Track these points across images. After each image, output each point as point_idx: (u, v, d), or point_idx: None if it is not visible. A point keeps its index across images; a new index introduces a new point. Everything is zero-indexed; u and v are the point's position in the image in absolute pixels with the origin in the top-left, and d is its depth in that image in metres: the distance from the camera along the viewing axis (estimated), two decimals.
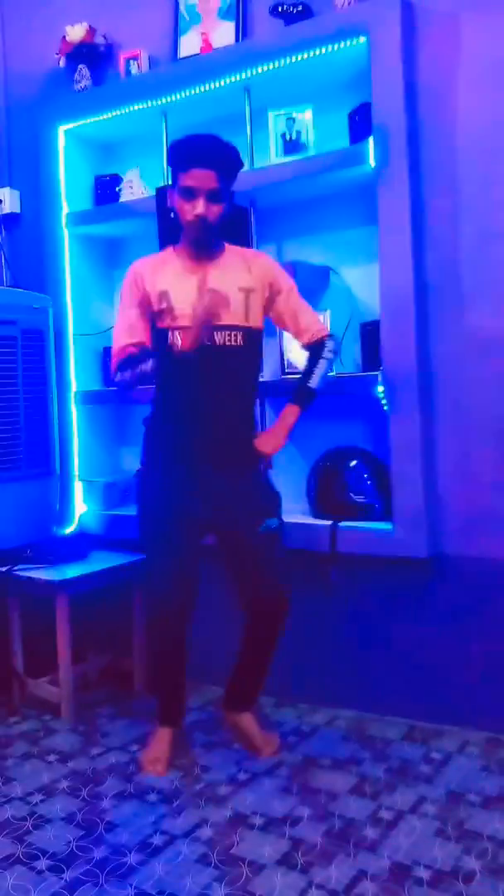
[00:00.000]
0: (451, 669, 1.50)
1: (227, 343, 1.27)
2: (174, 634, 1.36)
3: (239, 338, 1.28)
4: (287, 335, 1.48)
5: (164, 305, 1.27)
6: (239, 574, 1.37)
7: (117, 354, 1.32)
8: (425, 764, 1.39)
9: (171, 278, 1.29)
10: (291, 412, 1.33)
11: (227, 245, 1.34)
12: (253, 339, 1.31)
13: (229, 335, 1.27)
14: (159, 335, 1.29)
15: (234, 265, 1.31)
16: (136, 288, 1.31)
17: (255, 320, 1.31)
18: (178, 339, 1.26)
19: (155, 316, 1.30)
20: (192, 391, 1.28)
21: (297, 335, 1.36)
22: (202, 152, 1.23)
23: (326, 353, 1.34)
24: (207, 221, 1.24)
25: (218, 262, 1.30)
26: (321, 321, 1.39)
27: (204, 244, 1.29)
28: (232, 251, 1.34)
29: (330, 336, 1.36)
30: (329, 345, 1.35)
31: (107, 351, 1.94)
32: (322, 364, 1.33)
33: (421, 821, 1.20)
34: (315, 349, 1.34)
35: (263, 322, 1.34)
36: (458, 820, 1.20)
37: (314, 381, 1.32)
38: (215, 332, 1.26)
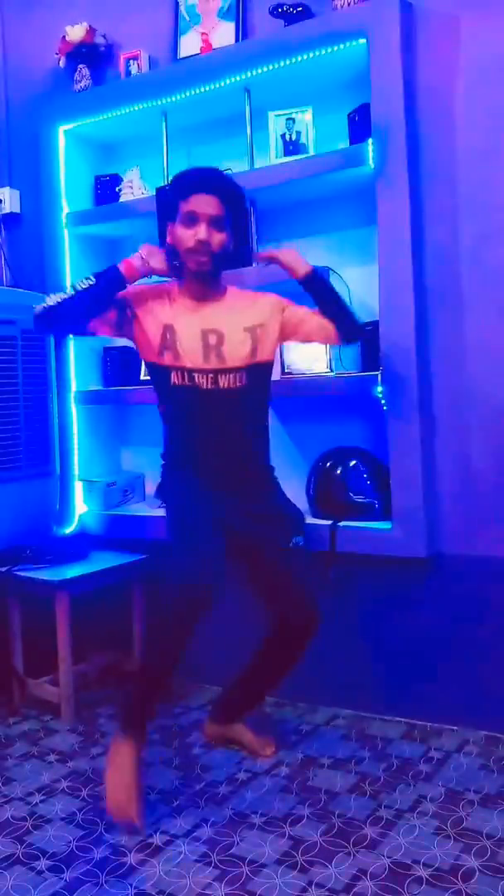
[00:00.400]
0: (450, 668, 1.51)
1: (231, 386, 1.24)
2: (188, 620, 1.19)
3: (244, 377, 1.25)
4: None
5: (167, 341, 1.23)
6: (268, 591, 1.33)
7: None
8: (424, 763, 1.39)
9: (174, 314, 1.25)
10: (308, 264, 1.28)
11: (227, 286, 1.31)
12: (258, 375, 1.28)
13: (233, 377, 1.24)
14: (160, 373, 1.25)
15: (237, 305, 1.29)
16: (128, 306, 1.26)
17: (263, 354, 1.28)
18: (180, 380, 1.23)
19: (144, 342, 1.26)
20: (199, 433, 1.26)
21: (329, 336, 1.32)
22: (204, 179, 1.22)
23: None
24: (210, 248, 1.20)
25: (221, 303, 1.28)
26: None
27: (206, 279, 1.24)
28: (234, 292, 1.32)
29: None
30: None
31: (107, 351, 1.94)
32: (347, 302, 1.31)
33: (420, 819, 1.20)
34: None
35: (274, 352, 1.32)
36: (458, 818, 1.20)
37: (341, 296, 1.30)
38: (219, 376, 1.23)
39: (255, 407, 1.30)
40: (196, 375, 1.23)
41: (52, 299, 1.23)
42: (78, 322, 1.25)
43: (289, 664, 1.34)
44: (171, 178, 1.28)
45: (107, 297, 1.24)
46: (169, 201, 1.25)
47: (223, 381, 1.23)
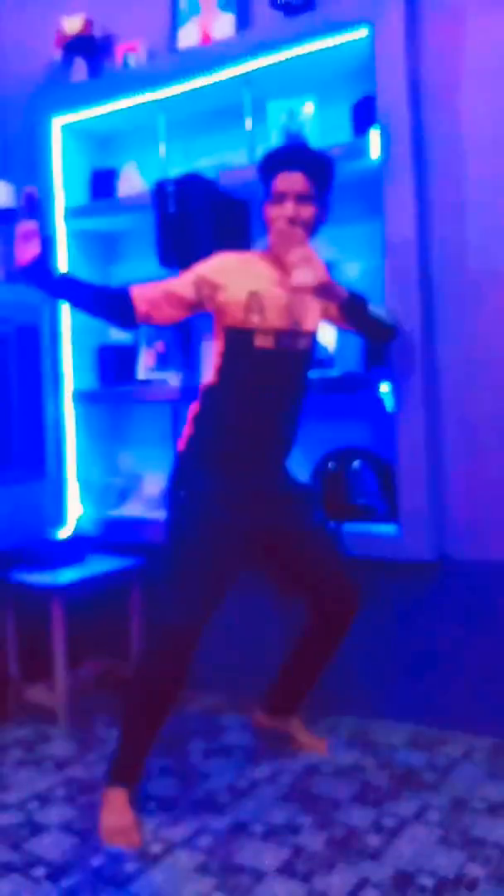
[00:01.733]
0: (456, 674, 1.48)
1: (305, 348, 1.28)
2: (175, 681, 1.19)
3: (311, 341, 1.29)
4: None
5: (254, 305, 1.22)
6: (305, 579, 1.34)
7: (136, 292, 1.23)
8: (429, 770, 1.37)
9: (260, 280, 1.24)
10: (342, 290, 1.25)
11: None
12: (315, 343, 1.34)
13: (306, 340, 1.28)
14: (240, 336, 1.24)
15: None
16: (204, 284, 1.23)
17: (316, 323, 1.32)
18: (265, 342, 1.23)
19: (224, 313, 1.24)
20: (270, 394, 1.26)
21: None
22: (289, 155, 1.23)
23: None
24: (296, 223, 1.21)
25: None
26: None
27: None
28: None
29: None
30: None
31: (103, 349, 1.91)
32: (386, 315, 1.34)
33: (425, 828, 1.18)
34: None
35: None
36: (463, 827, 1.18)
37: (375, 310, 1.31)
38: (298, 338, 1.25)
39: (308, 377, 1.33)
40: (282, 337, 1.24)
41: None
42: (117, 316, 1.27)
43: (334, 647, 1.35)
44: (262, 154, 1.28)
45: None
46: (259, 180, 1.27)
47: (301, 343, 1.27)
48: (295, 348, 1.26)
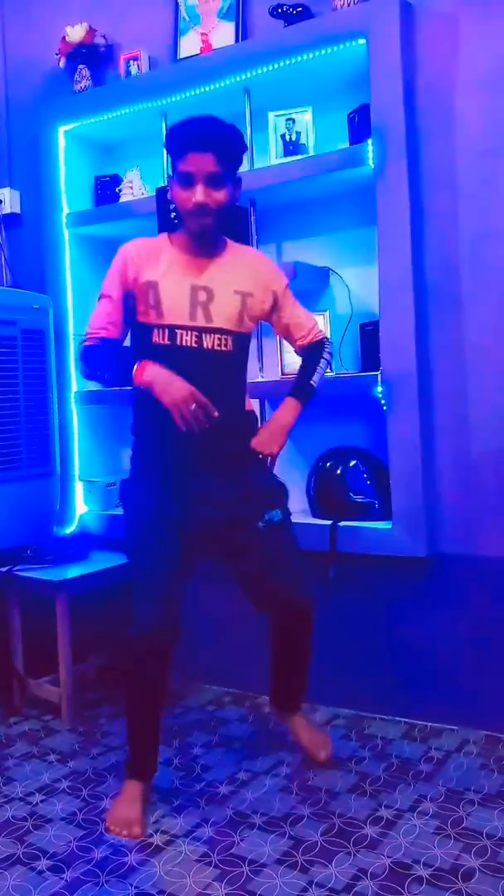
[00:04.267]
0: (451, 668, 1.51)
1: (217, 348, 1.18)
2: (154, 673, 1.19)
3: (229, 343, 1.19)
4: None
5: (150, 299, 1.17)
6: (249, 580, 1.27)
7: (88, 337, 1.20)
8: (425, 762, 1.39)
9: (163, 269, 1.17)
10: (292, 406, 1.24)
11: (229, 242, 1.24)
12: (242, 345, 1.23)
13: (220, 339, 1.18)
14: (141, 330, 1.19)
15: (233, 265, 1.22)
16: (123, 277, 1.18)
17: (248, 326, 1.23)
18: (161, 339, 1.16)
19: (136, 307, 1.18)
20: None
21: (295, 339, 1.30)
22: (198, 135, 1.12)
23: (326, 354, 1.29)
24: (208, 209, 1.13)
25: (217, 261, 1.20)
26: (318, 323, 1.34)
27: (207, 237, 1.18)
28: (234, 250, 1.24)
29: (327, 338, 1.32)
30: (327, 347, 1.31)
31: None
32: (323, 364, 1.28)
33: (420, 819, 1.20)
34: (315, 349, 1.29)
35: (254, 326, 1.27)
36: (458, 818, 1.20)
37: (316, 380, 1.26)
38: (204, 335, 1.17)
39: (236, 377, 1.23)
40: (179, 333, 1.16)
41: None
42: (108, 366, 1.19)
43: (300, 650, 1.32)
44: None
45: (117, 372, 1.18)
46: (168, 154, 1.19)
47: (208, 341, 1.17)
48: (201, 346, 1.16)
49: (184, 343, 1.17)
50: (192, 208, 1.14)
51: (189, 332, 1.17)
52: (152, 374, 1.12)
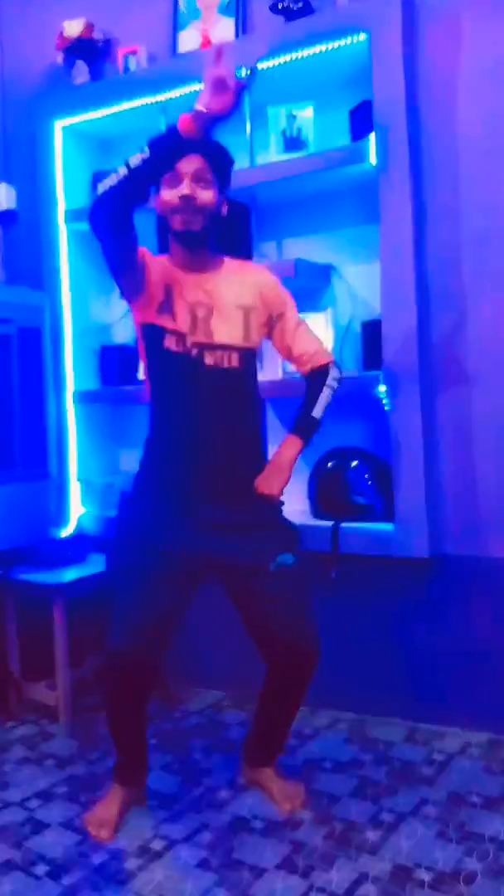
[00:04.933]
0: (453, 670, 1.50)
1: (219, 364, 1.13)
2: (129, 700, 1.17)
3: (234, 359, 1.14)
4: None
5: (167, 303, 1.12)
6: (253, 624, 1.20)
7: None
8: (427, 766, 1.38)
9: (175, 282, 1.14)
10: (293, 444, 1.17)
11: (226, 259, 1.19)
12: (249, 361, 1.17)
13: (223, 356, 1.13)
14: (154, 335, 1.14)
15: (233, 280, 1.17)
16: (143, 259, 1.11)
17: (254, 341, 1.17)
18: (175, 345, 1.12)
19: (145, 300, 1.12)
20: (185, 415, 1.14)
21: (298, 361, 1.22)
22: (186, 141, 1.02)
23: (330, 381, 1.20)
24: (195, 203, 1.07)
25: (215, 276, 1.16)
26: (324, 347, 1.24)
27: (194, 241, 1.11)
28: (231, 265, 1.19)
29: (334, 363, 1.22)
30: (333, 373, 1.20)
31: (105, 350, 1.92)
32: (326, 393, 1.19)
33: (422, 823, 1.19)
34: (318, 377, 1.20)
35: (261, 342, 1.21)
36: (460, 821, 1.19)
37: (318, 411, 1.18)
38: (206, 352, 1.12)
39: (245, 396, 1.17)
40: (188, 344, 1.12)
41: (107, 182, 1.01)
42: (127, 212, 1.03)
43: (291, 704, 1.24)
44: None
45: (161, 167, 1.02)
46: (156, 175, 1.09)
47: (210, 358, 1.12)
48: (204, 364, 1.11)
49: (191, 355, 1.12)
50: (177, 204, 1.09)
51: (194, 347, 1.13)
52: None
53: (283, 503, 1.21)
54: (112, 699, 1.20)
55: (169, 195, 1.10)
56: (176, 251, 1.16)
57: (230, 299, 1.15)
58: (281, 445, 1.20)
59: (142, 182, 1.02)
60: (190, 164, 1.09)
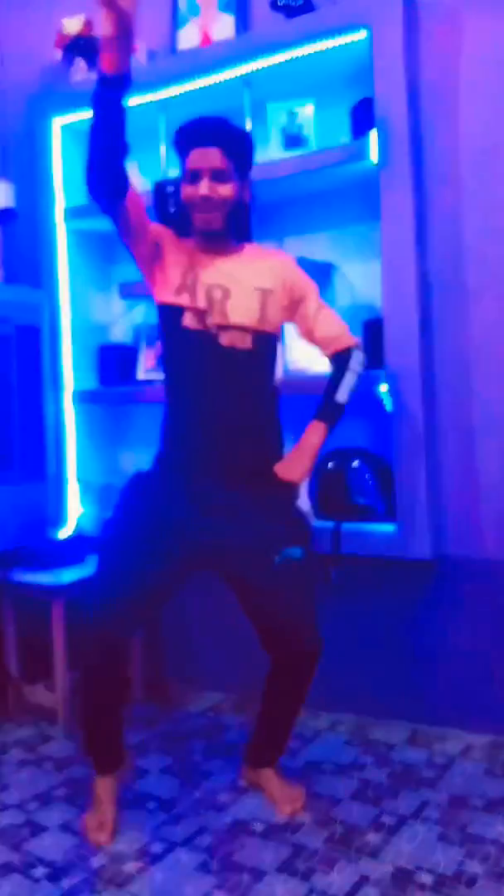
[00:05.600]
0: (454, 672, 1.49)
1: (235, 345, 1.13)
2: (106, 674, 1.15)
3: (248, 340, 1.14)
4: (289, 334, 1.43)
5: (188, 282, 1.12)
6: (256, 617, 1.19)
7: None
8: (428, 768, 1.37)
9: (195, 264, 1.15)
10: (317, 430, 1.16)
11: (246, 244, 1.21)
12: (266, 344, 1.16)
13: (238, 336, 1.13)
14: (172, 315, 1.14)
15: (252, 263, 1.18)
16: (155, 232, 1.14)
17: (272, 324, 1.17)
18: (195, 323, 1.12)
19: (161, 287, 1.14)
20: (198, 395, 1.14)
21: (321, 344, 1.21)
22: (203, 131, 1.10)
23: (354, 365, 1.18)
24: (213, 203, 1.11)
25: (234, 258, 1.17)
26: (347, 331, 1.22)
27: (214, 234, 1.14)
28: (252, 249, 1.21)
29: (358, 347, 1.21)
30: (357, 356, 1.19)
31: (104, 349, 1.91)
32: (349, 377, 1.17)
33: (423, 825, 1.19)
34: (341, 360, 1.19)
35: (281, 328, 1.21)
36: (461, 824, 1.19)
37: (342, 395, 1.17)
38: (221, 332, 1.13)
39: (260, 379, 1.16)
40: (208, 322, 1.13)
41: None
42: (109, 167, 1.04)
43: (294, 701, 1.24)
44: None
45: (113, 114, 1.02)
46: (175, 155, 1.15)
47: (225, 338, 1.12)
48: (220, 344, 1.12)
49: (211, 332, 1.13)
50: (198, 202, 1.13)
51: (213, 327, 1.14)
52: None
53: (298, 494, 1.18)
54: (88, 674, 1.17)
55: (189, 191, 1.13)
56: (197, 238, 1.18)
57: (248, 281, 1.16)
58: (305, 432, 1.18)
59: (109, 130, 1.02)
60: (208, 159, 1.10)
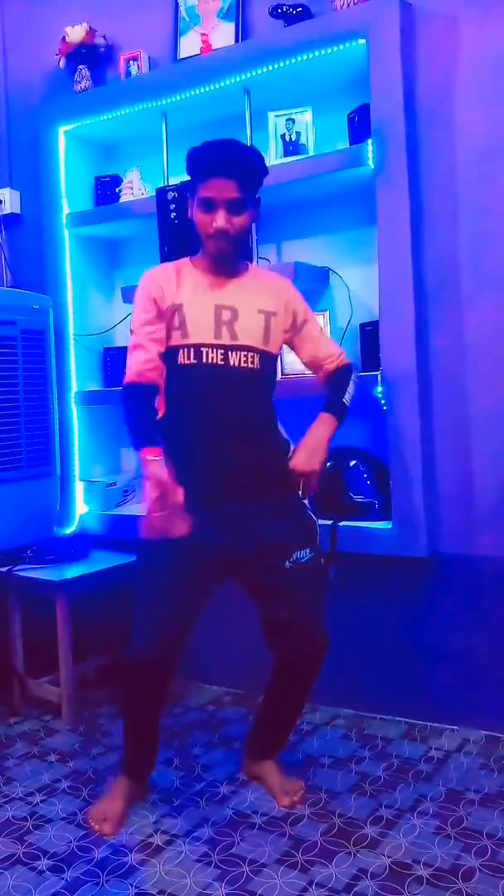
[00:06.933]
0: (451, 668, 1.51)
1: (243, 365, 1.16)
2: (151, 699, 1.20)
3: (256, 360, 1.17)
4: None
5: (175, 321, 1.16)
6: (266, 616, 1.22)
7: (132, 376, 1.15)
8: (425, 762, 1.39)
9: (187, 291, 1.17)
10: (326, 421, 1.18)
11: (249, 265, 1.25)
12: (269, 364, 1.20)
13: (245, 356, 1.16)
14: (169, 357, 1.17)
15: (256, 286, 1.21)
16: (157, 298, 1.17)
17: (274, 345, 1.20)
18: (186, 358, 1.15)
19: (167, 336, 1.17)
20: (204, 416, 1.15)
21: (319, 365, 1.25)
22: (221, 161, 1.12)
23: (355, 377, 1.25)
24: (229, 235, 1.14)
25: (239, 281, 1.20)
26: (342, 350, 1.28)
27: (226, 260, 1.18)
28: (255, 272, 1.25)
29: (354, 365, 1.27)
30: (355, 372, 1.25)
31: (107, 351, 1.95)
32: (352, 387, 1.23)
33: (421, 819, 1.20)
34: (344, 372, 1.24)
35: (280, 348, 1.24)
36: (458, 818, 1.20)
37: (347, 398, 1.21)
38: (230, 352, 1.15)
39: (264, 397, 1.20)
40: (205, 351, 1.15)
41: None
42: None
43: (299, 697, 1.27)
44: (186, 153, 1.16)
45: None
46: (188, 174, 1.17)
47: (234, 359, 1.15)
48: (227, 364, 1.15)
49: (210, 361, 1.16)
50: (212, 233, 1.15)
51: (215, 350, 1.16)
52: (150, 467, 1.08)
53: (314, 489, 1.20)
54: (130, 698, 1.22)
55: (204, 220, 1.15)
56: (204, 259, 1.20)
57: (253, 304, 1.19)
58: (312, 425, 1.20)
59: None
60: (225, 190, 1.12)
